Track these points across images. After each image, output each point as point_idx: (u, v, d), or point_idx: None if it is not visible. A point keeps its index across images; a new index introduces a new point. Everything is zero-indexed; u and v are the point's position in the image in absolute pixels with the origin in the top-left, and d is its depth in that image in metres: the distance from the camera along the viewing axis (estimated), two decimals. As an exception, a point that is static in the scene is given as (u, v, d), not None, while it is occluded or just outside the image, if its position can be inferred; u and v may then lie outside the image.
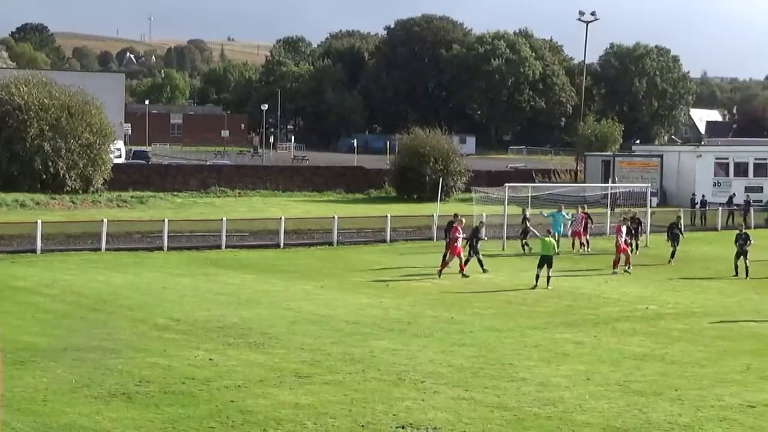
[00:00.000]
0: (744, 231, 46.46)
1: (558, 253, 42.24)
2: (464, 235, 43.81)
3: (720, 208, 68.15)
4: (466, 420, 19.94)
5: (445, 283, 40.16)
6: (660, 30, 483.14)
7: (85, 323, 29.68)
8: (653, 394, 22.33)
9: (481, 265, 43.59)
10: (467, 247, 43.88)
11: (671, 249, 48.37)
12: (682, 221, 52.00)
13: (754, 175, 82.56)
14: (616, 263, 45.12)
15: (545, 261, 39.47)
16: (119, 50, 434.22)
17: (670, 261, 47.79)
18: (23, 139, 73.50)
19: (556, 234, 49.32)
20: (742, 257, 44.22)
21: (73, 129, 75.35)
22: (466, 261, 43.06)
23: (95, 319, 30.38)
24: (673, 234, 48.93)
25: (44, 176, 73.53)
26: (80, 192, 74.30)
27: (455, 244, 42.76)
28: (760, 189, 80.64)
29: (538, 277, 39.51)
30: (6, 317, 28.26)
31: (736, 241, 45.23)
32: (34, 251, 46.13)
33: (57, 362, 24.22)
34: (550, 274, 39.52)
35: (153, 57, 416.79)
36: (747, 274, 43.73)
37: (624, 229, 46.17)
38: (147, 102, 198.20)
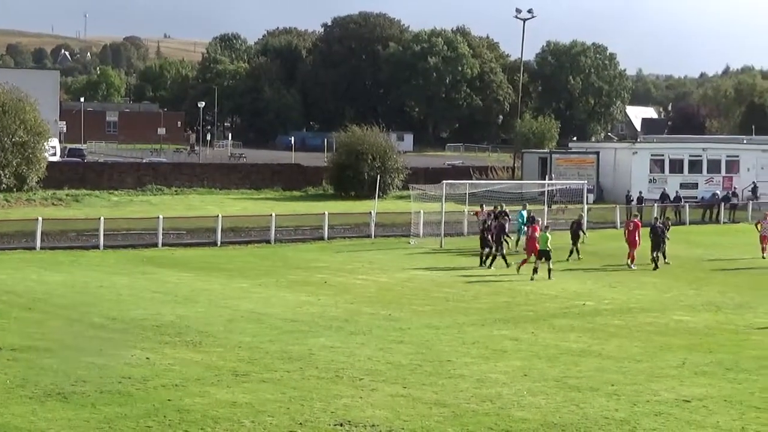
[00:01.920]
0: (659, 224, 47.33)
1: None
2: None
3: (655, 204, 68.62)
4: (404, 417, 19.97)
5: (383, 280, 40.26)
6: (597, 28, 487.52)
7: (19, 323, 29.43)
8: (590, 390, 22.48)
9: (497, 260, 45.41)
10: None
11: (572, 247, 48.65)
12: (585, 219, 52.56)
13: (689, 172, 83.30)
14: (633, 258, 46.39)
15: (543, 255, 41.27)
16: (54, 47, 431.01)
17: (568, 258, 47.79)
18: (-45, 137, 72.70)
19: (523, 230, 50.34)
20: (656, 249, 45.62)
21: (6, 127, 74.54)
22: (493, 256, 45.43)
23: (29, 319, 30.14)
24: (575, 233, 49.27)
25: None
26: (14, 190, 73.52)
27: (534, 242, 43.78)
28: (695, 185, 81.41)
29: (536, 270, 41.26)
30: (-61, 317, 27.99)
31: (650, 234, 46.45)
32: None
33: (-9, 362, 24.03)
34: (551, 266, 41.36)
35: (88, 54, 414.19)
36: (656, 265, 45.19)
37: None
38: (82, 99, 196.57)
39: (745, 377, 24.17)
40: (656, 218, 53.02)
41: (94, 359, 24.62)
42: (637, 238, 46.81)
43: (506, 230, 48.16)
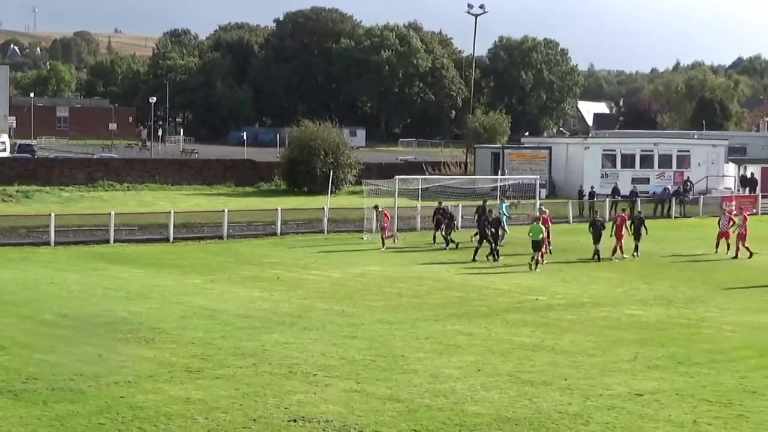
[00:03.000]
0: (599, 218, 48.28)
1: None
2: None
3: (606, 200, 68.99)
4: (358, 412, 19.99)
5: (336, 276, 40.26)
6: (548, 23, 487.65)
7: (-31, 320, 29.24)
8: (543, 384, 22.57)
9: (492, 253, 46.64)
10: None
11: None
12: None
13: (641, 167, 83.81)
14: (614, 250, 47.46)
15: (535, 245, 43.37)
16: (2, 42, 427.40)
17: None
18: None
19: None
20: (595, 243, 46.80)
21: (-44, 122, 74.15)
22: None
23: (-20, 316, 29.94)
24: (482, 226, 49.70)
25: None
26: (-37, 187, 73.08)
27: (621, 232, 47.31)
28: (646, 180, 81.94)
29: (535, 261, 43.34)
30: None
31: (590, 228, 47.92)
32: None
33: (-59, 360, 23.85)
34: (538, 258, 43.29)
35: (38, 49, 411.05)
36: (599, 258, 46.28)
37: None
38: (32, 95, 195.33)
39: (697, 371, 24.34)
40: (596, 212, 53.84)
41: (45, 356, 24.49)
42: (623, 232, 47.79)
43: (501, 224, 49.53)
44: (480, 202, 53.42)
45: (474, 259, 45.77)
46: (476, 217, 51.49)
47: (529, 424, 19.52)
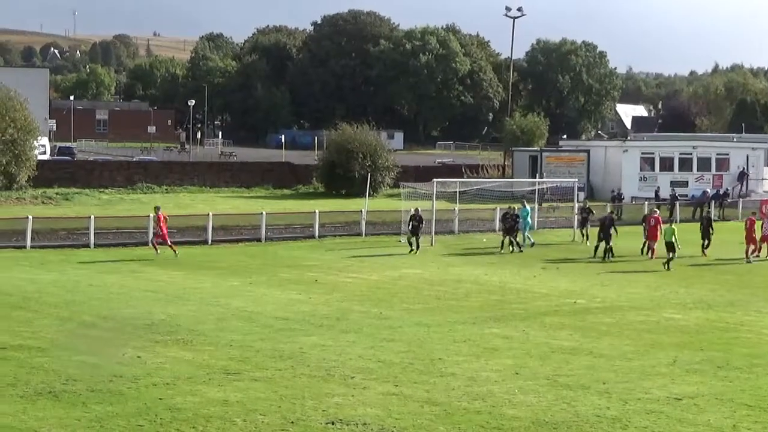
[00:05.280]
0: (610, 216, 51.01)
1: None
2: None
3: (645, 202, 68.65)
4: (396, 415, 19.98)
5: (374, 279, 40.26)
6: (586, 25, 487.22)
7: (9, 321, 29.39)
8: (581, 388, 22.49)
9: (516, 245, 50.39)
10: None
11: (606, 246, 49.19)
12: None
13: (679, 170, 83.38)
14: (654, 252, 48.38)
15: (669, 246, 45.21)
16: (43, 45, 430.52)
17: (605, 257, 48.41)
18: (-57, 136, 72.64)
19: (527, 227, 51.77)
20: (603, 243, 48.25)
21: (-4, 125, 74.56)
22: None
23: (20, 317, 30.07)
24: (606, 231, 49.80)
25: (-34, 173, 72.70)
26: (4, 189, 73.49)
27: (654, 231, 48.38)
28: (685, 183, 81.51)
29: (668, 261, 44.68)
30: (-71, 316, 27.97)
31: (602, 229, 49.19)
32: (-43, 249, 45.68)
33: (-19, 361, 24.00)
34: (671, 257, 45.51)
35: (78, 52, 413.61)
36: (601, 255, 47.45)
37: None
38: (72, 98, 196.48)
39: (736, 375, 24.20)
40: (612, 212, 54.21)
41: (85, 358, 24.60)
42: (657, 232, 48.27)
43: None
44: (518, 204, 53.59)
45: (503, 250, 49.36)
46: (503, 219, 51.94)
47: (567, 428, 19.45)
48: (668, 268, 43.99)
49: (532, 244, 52.49)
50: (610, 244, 48.33)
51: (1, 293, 34.60)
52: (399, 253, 48.71)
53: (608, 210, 57.39)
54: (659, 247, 47.49)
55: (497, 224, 55.03)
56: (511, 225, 51.26)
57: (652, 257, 47.75)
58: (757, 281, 41.71)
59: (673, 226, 46.01)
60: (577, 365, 24.87)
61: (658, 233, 48.16)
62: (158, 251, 45.72)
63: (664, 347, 27.38)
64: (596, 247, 48.61)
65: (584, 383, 22.94)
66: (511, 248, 50.44)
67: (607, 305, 34.74)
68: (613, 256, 47.95)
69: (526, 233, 53.14)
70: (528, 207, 54.46)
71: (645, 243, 49.42)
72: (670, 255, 44.63)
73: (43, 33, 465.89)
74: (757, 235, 48.93)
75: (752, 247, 48.58)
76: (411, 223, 49.94)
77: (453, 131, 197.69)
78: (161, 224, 46.08)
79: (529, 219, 53.95)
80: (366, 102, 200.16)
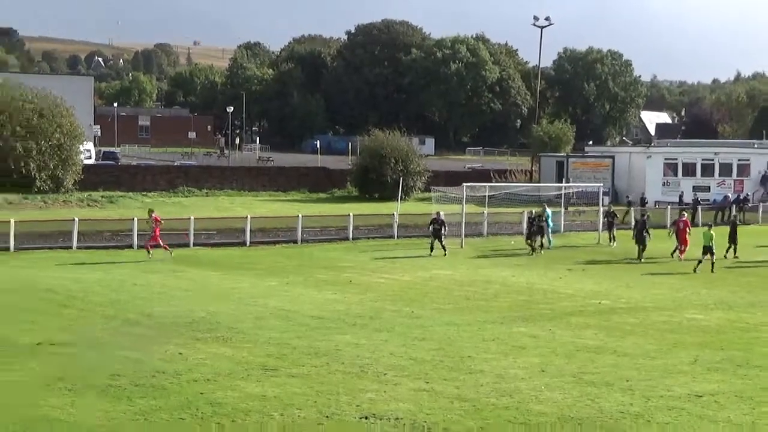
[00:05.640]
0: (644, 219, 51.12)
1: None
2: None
3: (668, 207, 68.45)
4: (427, 410, 20.07)
5: (406, 279, 40.32)
6: (613, 34, 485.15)
7: (57, 319, 29.63)
8: (605, 385, 22.52)
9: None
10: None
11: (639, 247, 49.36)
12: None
13: (702, 175, 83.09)
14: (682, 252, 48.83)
15: (706, 249, 45.11)
16: (88, 53, 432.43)
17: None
18: (-4, 138, 73.21)
19: (549, 230, 51.95)
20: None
21: (44, 131, 75.05)
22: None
23: (67, 315, 30.33)
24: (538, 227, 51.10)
25: (15, 176, 73.12)
26: (51, 192, 73.95)
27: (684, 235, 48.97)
28: (707, 188, 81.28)
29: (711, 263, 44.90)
30: (-19, 313, 28.25)
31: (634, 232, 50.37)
32: (7, 249, 45.96)
33: (31, 357, 24.21)
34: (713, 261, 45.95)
35: (121, 60, 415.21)
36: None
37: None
38: (115, 104, 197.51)
39: (756, 373, 24.16)
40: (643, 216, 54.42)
41: (129, 354, 24.80)
42: (686, 236, 48.74)
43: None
44: (538, 208, 53.70)
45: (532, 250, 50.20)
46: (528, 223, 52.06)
47: (592, 423, 19.50)
48: (712, 271, 43.93)
49: (549, 247, 52.54)
50: (641, 247, 48.62)
51: (50, 292, 34.90)
52: (431, 256, 48.71)
53: (640, 215, 57.21)
54: (691, 250, 47.55)
55: (524, 227, 55.05)
56: (538, 227, 51.51)
57: (681, 259, 47.77)
58: (777, 283, 41.59)
59: (711, 231, 45.70)
60: (602, 363, 24.89)
61: (687, 236, 48.28)
62: (151, 254, 45.48)
63: (686, 346, 27.36)
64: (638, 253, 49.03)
65: (608, 380, 22.97)
66: (540, 250, 50.55)
67: (631, 306, 34.69)
68: (641, 260, 47.96)
69: (550, 235, 53.29)
70: (549, 210, 54.41)
71: (676, 246, 49.38)
72: (707, 257, 44.57)
73: (88, 42, 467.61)
74: None
75: (684, 247, 48.71)
76: (432, 226, 50.02)
77: (482, 137, 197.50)
78: (155, 227, 45.96)
79: (550, 221, 53.96)
80: (398, 109, 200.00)
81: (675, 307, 34.51)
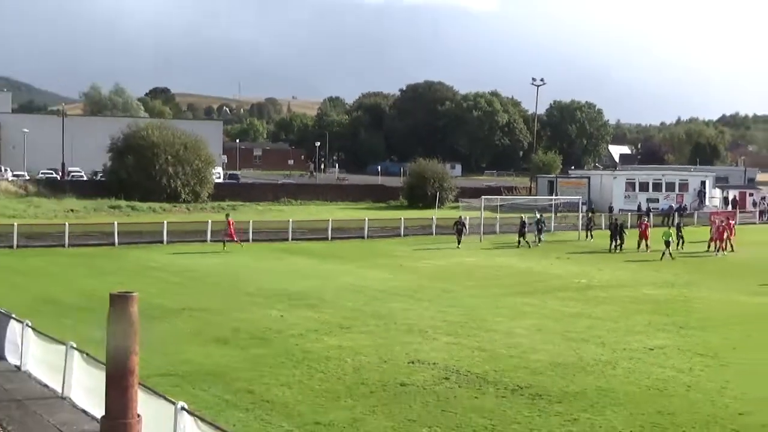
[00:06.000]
0: (620, 223, 49.56)
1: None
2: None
3: (629, 213, 67.77)
4: (456, 358, 19.99)
5: (441, 264, 40.18)
6: (589, 88, 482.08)
7: (195, 291, 29.84)
8: (583, 341, 22.32)
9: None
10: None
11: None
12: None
13: (653, 191, 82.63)
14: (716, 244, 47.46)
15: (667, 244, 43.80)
16: (218, 105, 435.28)
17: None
18: (154, 165, 73.96)
19: (539, 232, 51.35)
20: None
21: (187, 159, 75.80)
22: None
23: (203, 289, 30.56)
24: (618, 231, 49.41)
25: (168, 191, 73.88)
26: (192, 202, 74.59)
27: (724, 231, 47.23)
28: (657, 200, 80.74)
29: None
30: (143, 287, 28.40)
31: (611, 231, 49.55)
32: (161, 242, 46.37)
33: (178, 318, 24.40)
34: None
35: (242, 109, 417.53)
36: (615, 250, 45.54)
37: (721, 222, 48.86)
38: (237, 140, 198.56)
39: (693, 333, 23.85)
40: (617, 219, 53.64)
41: (245, 316, 24.92)
42: (726, 233, 47.53)
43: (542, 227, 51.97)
44: (528, 215, 53.18)
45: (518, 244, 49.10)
46: (520, 226, 51.10)
47: (574, 368, 19.32)
48: (672, 258, 43.06)
49: (539, 242, 52.10)
50: (620, 242, 47.95)
51: (191, 272, 35.19)
52: (458, 247, 48.54)
53: (615, 218, 56.41)
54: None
55: (526, 227, 54.59)
56: (539, 228, 51.41)
57: (718, 253, 46.74)
58: (708, 268, 40.98)
59: (670, 230, 44.76)
60: (581, 325, 24.67)
61: (648, 233, 47.63)
62: (225, 247, 44.31)
63: (642, 313, 27.06)
64: (616, 246, 48.05)
65: (585, 337, 22.76)
66: (537, 244, 50.28)
67: (602, 284, 34.36)
68: (620, 250, 47.33)
69: (540, 234, 52.82)
70: (538, 215, 54.08)
71: (711, 240, 48.20)
72: (667, 250, 43.68)
73: (218, 96, 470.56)
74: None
75: (721, 244, 47.64)
76: (456, 226, 49.86)
77: (495, 163, 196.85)
78: (230, 227, 45.31)
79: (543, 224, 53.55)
80: (436, 143, 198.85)
81: (634, 285, 34.14)
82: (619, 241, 47.95)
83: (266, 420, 14.88)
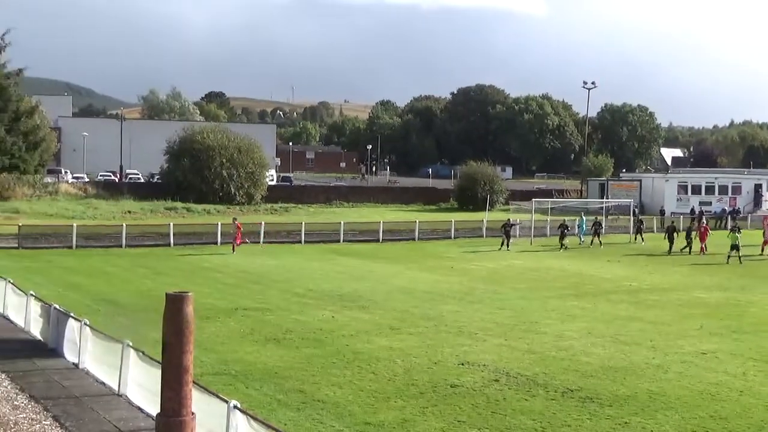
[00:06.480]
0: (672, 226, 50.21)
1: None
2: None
3: (681, 216, 66.91)
4: (506, 360, 19.84)
5: (491, 266, 39.99)
6: (641, 90, 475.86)
7: (249, 291, 30.03)
8: (634, 344, 22.02)
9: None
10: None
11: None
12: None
13: (705, 194, 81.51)
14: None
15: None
16: (272, 109, 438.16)
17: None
18: (209, 168, 74.71)
19: (581, 233, 50.87)
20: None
21: (242, 162, 76.44)
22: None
23: (256, 289, 30.73)
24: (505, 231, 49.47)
25: (222, 193, 74.55)
26: (246, 204, 75.18)
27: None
28: (709, 203, 79.62)
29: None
30: (197, 287, 28.72)
31: (665, 234, 49.19)
32: (215, 243, 46.80)
33: (231, 317, 24.56)
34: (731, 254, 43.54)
35: (295, 113, 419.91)
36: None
37: None
38: (290, 144, 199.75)
39: (746, 338, 23.39)
40: (673, 222, 53.14)
41: (297, 317, 24.99)
42: (706, 236, 47.48)
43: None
44: (570, 217, 52.93)
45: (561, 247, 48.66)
46: (560, 228, 50.79)
47: (624, 371, 19.07)
48: (740, 262, 42.38)
49: (581, 243, 51.82)
50: (674, 243, 48.11)
51: (244, 272, 35.42)
52: (509, 250, 48.27)
53: (671, 221, 55.86)
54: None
55: (575, 229, 54.15)
56: (595, 230, 51.09)
57: (704, 253, 46.72)
58: (761, 272, 40.23)
59: (737, 234, 43.99)
60: (632, 328, 24.35)
61: (706, 237, 47.46)
62: (235, 251, 43.09)
63: (694, 317, 26.64)
64: (684, 247, 47.97)
65: (637, 341, 22.46)
66: (599, 244, 50.36)
67: (653, 287, 33.92)
68: (689, 253, 47.14)
69: (582, 235, 52.52)
70: (584, 218, 53.93)
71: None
72: (734, 252, 43.18)
73: (272, 100, 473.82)
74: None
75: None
76: (504, 228, 49.62)
77: (546, 166, 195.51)
78: (238, 231, 44.02)
79: (584, 226, 53.16)
80: (486, 146, 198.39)
81: (685, 288, 33.64)
82: (685, 245, 47.59)
83: (317, 419, 14.91)
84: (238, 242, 43.82)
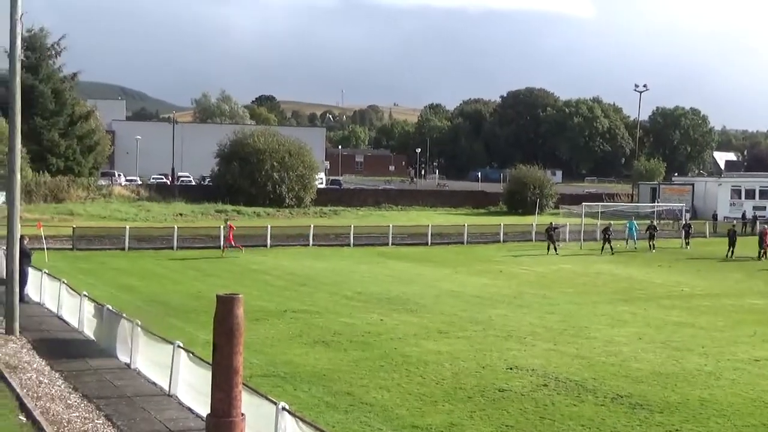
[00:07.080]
0: (734, 230, 49.82)
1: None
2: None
3: (735, 221, 65.93)
4: (555, 365, 19.68)
5: (539, 270, 39.73)
6: (694, 94, 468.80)
7: (297, 294, 30.17)
8: (686, 350, 21.72)
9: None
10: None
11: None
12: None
13: (759, 198, 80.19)
14: None
15: None
16: (322, 112, 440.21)
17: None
18: (260, 171, 75.19)
19: (634, 238, 51.62)
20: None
21: (292, 165, 76.80)
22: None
23: (304, 291, 30.86)
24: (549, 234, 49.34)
25: (272, 196, 75.00)
26: (295, 207, 75.56)
27: None
28: (763, 208, 78.36)
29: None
30: (246, 289, 28.91)
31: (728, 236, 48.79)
32: (265, 245, 47.10)
33: (280, 320, 24.69)
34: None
35: (344, 116, 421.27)
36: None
37: None
38: (340, 147, 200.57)
39: (801, 345, 22.97)
40: (734, 225, 52.15)
41: (346, 319, 25.05)
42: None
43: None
44: (616, 221, 52.50)
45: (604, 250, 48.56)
46: (604, 231, 50.38)
47: (676, 378, 18.81)
48: None
49: (635, 248, 51.34)
50: (734, 247, 47.86)
51: (293, 275, 35.61)
52: (557, 254, 47.93)
53: (732, 225, 55.13)
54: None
55: (625, 233, 53.62)
56: (651, 234, 50.82)
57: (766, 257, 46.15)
58: (816, 278, 39.48)
59: None
60: (683, 334, 24.02)
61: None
62: (224, 253, 42.45)
63: (747, 323, 26.20)
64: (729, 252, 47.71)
65: (688, 347, 22.14)
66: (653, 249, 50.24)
67: (706, 293, 33.43)
68: (765, 258, 46.66)
69: (635, 240, 52.05)
70: (635, 222, 53.51)
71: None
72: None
73: (322, 104, 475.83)
74: None
75: None
76: (548, 232, 49.28)
77: (597, 170, 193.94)
78: (230, 232, 42.96)
79: (633, 231, 52.75)
80: (536, 149, 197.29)
81: (738, 294, 33.11)
82: (761, 251, 46.87)
83: (365, 422, 14.93)
84: (232, 243, 42.75)
